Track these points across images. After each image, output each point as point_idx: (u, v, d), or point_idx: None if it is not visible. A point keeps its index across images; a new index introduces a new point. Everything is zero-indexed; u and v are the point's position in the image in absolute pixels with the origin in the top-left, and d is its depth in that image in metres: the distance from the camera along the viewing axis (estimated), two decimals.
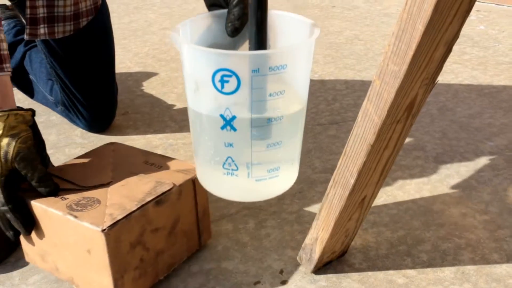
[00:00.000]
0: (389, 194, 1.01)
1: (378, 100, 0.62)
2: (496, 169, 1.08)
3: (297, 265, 0.84)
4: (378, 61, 1.66)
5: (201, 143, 0.72)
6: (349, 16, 2.15)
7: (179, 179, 0.79)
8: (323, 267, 0.83)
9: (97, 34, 1.23)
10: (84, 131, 1.28)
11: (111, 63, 1.29)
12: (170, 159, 0.86)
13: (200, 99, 0.69)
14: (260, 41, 0.69)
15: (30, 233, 0.77)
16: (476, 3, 0.62)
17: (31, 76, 1.35)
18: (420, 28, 0.54)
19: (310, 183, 1.05)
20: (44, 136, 0.89)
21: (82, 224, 0.70)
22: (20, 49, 1.36)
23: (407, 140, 1.19)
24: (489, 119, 1.29)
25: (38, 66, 1.30)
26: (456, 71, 1.58)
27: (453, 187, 1.03)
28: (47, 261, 0.80)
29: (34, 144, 0.76)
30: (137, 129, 1.29)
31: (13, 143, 0.73)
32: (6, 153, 0.73)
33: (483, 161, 1.11)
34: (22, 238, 0.81)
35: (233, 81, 0.63)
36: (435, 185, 1.04)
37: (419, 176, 1.07)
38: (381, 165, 0.70)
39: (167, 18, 2.21)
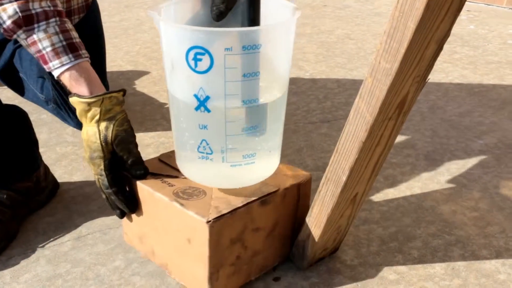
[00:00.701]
0: (380, 192, 1.02)
1: (370, 97, 0.62)
2: (485, 167, 1.09)
3: (289, 261, 0.84)
4: (369, 60, 1.67)
5: (178, 126, 0.71)
6: (340, 15, 2.16)
7: (285, 182, 0.78)
8: (315, 263, 0.83)
9: (88, 32, 1.22)
10: (75, 129, 1.27)
11: (102, 61, 1.28)
12: (282, 164, 0.84)
13: (176, 79, 0.68)
14: (253, 17, 0.67)
15: (134, 212, 0.80)
16: (466, 3, 0.63)
17: (21, 74, 1.34)
18: (411, 26, 0.54)
19: None
20: None
21: (187, 212, 0.70)
22: (10, 46, 1.35)
23: (398, 138, 1.20)
24: (479, 118, 1.30)
25: (28, 64, 1.29)
26: (446, 70, 1.59)
27: (444, 184, 1.04)
28: (144, 243, 0.82)
29: (130, 126, 0.78)
30: None
31: (111, 126, 0.75)
32: (106, 136, 0.75)
33: (473, 159, 1.12)
34: (124, 219, 0.83)
35: (206, 60, 0.63)
36: (426, 182, 1.05)
37: (410, 174, 1.07)
38: (372, 162, 0.71)
39: None
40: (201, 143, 0.70)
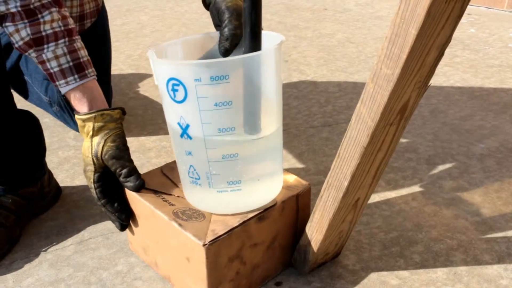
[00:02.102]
0: (382, 196, 1.02)
1: (372, 103, 0.62)
2: (487, 171, 1.09)
3: (291, 267, 0.84)
4: (370, 63, 1.67)
5: (174, 151, 0.75)
6: (341, 18, 2.16)
7: (283, 195, 0.78)
8: (317, 268, 0.84)
9: (98, 36, 1.24)
10: (77, 133, 1.28)
11: (108, 65, 1.29)
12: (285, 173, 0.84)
13: (165, 107, 0.73)
14: (254, 43, 0.70)
15: (127, 222, 0.83)
16: (467, 6, 0.63)
17: (26, 77, 1.34)
18: (413, 32, 0.55)
19: None
20: None
21: (185, 233, 0.71)
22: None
23: (400, 142, 1.20)
24: (480, 121, 1.30)
25: (34, 67, 1.30)
26: (447, 74, 1.59)
27: (445, 188, 1.04)
28: (148, 254, 0.83)
29: (123, 142, 0.80)
30: (131, 131, 1.29)
31: (102, 142, 0.79)
32: (96, 151, 0.79)
33: (474, 162, 1.13)
34: (128, 229, 0.86)
35: (181, 90, 0.67)
36: (427, 186, 1.05)
37: (411, 178, 1.07)
38: (374, 167, 0.71)
39: (159, 20, 2.21)
40: (189, 168, 0.73)
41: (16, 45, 0.81)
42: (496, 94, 1.45)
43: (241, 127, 0.69)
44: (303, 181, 0.81)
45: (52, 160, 1.16)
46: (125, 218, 0.83)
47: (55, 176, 1.05)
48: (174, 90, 0.67)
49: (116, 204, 0.81)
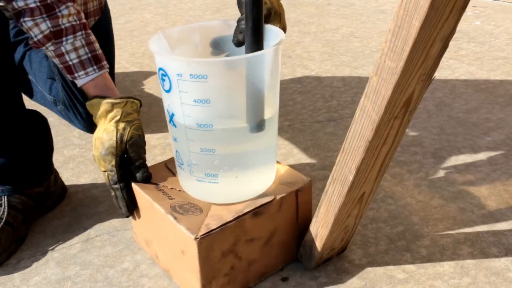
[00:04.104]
0: (387, 190, 1.01)
1: (376, 96, 0.62)
2: (494, 164, 1.09)
3: (297, 261, 0.84)
4: (374, 58, 1.66)
5: None
6: (345, 13, 2.15)
7: (282, 191, 0.78)
8: (323, 263, 0.83)
9: (101, 34, 1.23)
10: (82, 132, 1.28)
11: (112, 63, 1.29)
12: (284, 167, 0.84)
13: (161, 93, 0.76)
14: (255, 38, 0.70)
15: (131, 213, 0.84)
16: None
17: (30, 76, 1.35)
18: (416, 24, 0.54)
19: None
20: None
21: (179, 227, 0.72)
22: (20, 49, 1.36)
23: (405, 135, 1.19)
24: (486, 114, 1.29)
25: (37, 66, 1.30)
26: (452, 66, 1.58)
27: (451, 182, 1.03)
28: (150, 247, 0.85)
29: (143, 133, 0.84)
30: None
31: (128, 128, 0.81)
32: (122, 135, 0.81)
33: (480, 156, 1.12)
34: (132, 221, 0.87)
35: (167, 81, 0.70)
36: (433, 180, 1.04)
37: (417, 172, 1.07)
38: (379, 161, 0.70)
39: (163, 18, 2.20)
40: (176, 153, 0.76)
41: (35, 39, 0.83)
42: (502, 87, 1.44)
43: (219, 124, 0.71)
44: (304, 177, 0.80)
45: (57, 159, 1.16)
46: (131, 209, 0.83)
47: (60, 174, 1.05)
48: (163, 80, 0.71)
49: (130, 193, 0.83)
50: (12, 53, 0.93)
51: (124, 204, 0.82)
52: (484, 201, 0.97)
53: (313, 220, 0.78)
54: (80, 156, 1.18)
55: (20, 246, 0.90)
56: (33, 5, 0.81)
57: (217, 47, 0.80)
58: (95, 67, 0.85)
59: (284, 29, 0.83)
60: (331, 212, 0.74)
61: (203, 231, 0.71)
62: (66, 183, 1.06)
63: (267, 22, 0.79)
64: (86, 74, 0.85)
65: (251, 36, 0.70)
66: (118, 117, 0.81)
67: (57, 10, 0.82)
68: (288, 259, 0.83)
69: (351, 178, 0.69)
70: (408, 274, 0.81)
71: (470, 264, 0.82)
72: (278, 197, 0.76)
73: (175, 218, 0.73)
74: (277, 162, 0.84)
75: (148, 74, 1.63)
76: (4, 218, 0.88)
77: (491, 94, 1.40)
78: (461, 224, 0.91)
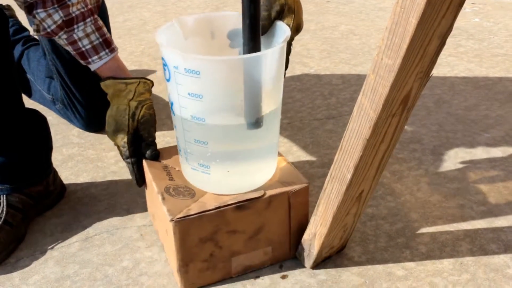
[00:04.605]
0: (387, 187, 1.01)
1: (373, 94, 0.62)
2: (493, 161, 1.09)
3: (296, 259, 0.84)
4: (373, 55, 1.66)
5: None
6: (344, 11, 2.15)
7: (274, 189, 0.78)
8: (322, 261, 0.83)
9: None
10: (81, 130, 1.28)
11: None
12: (288, 165, 0.84)
13: None
14: (252, 35, 0.70)
15: (140, 186, 0.89)
16: None
17: (28, 75, 1.35)
18: (413, 21, 0.54)
19: (308, 178, 1.05)
20: None
21: (163, 207, 0.76)
22: (18, 48, 1.36)
23: (404, 133, 1.19)
24: (485, 111, 1.29)
25: (36, 64, 1.30)
26: (451, 63, 1.58)
27: (451, 179, 1.03)
28: (154, 221, 0.91)
29: (155, 113, 0.88)
30: None
31: (140, 106, 0.86)
32: (134, 114, 0.85)
33: (480, 152, 1.12)
34: (146, 194, 0.93)
35: (167, 71, 0.71)
36: (432, 177, 1.04)
37: (416, 169, 1.07)
38: (377, 159, 0.70)
39: (162, 16, 2.20)
40: (176, 139, 0.79)
41: (48, 30, 0.85)
42: (501, 84, 1.44)
43: (211, 120, 0.71)
44: (303, 178, 0.80)
45: (56, 158, 1.16)
46: (141, 182, 0.89)
47: (59, 173, 1.05)
48: (164, 69, 0.73)
49: (140, 168, 0.87)
50: (12, 51, 0.93)
51: (134, 177, 0.88)
52: (483, 197, 0.97)
53: (312, 218, 0.78)
54: (79, 154, 1.18)
55: (19, 245, 0.90)
56: None
57: (235, 38, 0.81)
58: (107, 50, 0.89)
59: (299, 25, 0.82)
60: (330, 210, 0.74)
61: (181, 215, 0.73)
62: (65, 181, 1.06)
63: (280, 18, 0.79)
64: (100, 58, 0.88)
65: (248, 33, 0.70)
66: (130, 96, 0.85)
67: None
68: (279, 257, 0.83)
69: (349, 176, 0.69)
70: (408, 271, 0.81)
71: (469, 261, 0.83)
72: (267, 194, 0.77)
73: (163, 198, 0.77)
74: (284, 159, 0.85)
75: (147, 73, 1.63)
76: (3, 217, 0.88)
77: (490, 91, 1.40)
78: (460, 221, 0.91)
